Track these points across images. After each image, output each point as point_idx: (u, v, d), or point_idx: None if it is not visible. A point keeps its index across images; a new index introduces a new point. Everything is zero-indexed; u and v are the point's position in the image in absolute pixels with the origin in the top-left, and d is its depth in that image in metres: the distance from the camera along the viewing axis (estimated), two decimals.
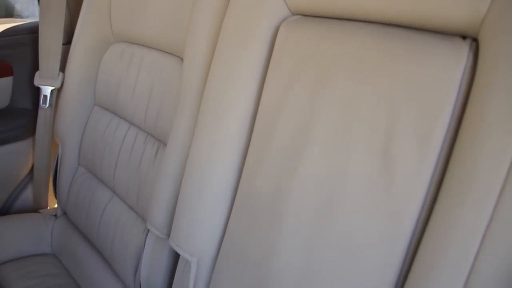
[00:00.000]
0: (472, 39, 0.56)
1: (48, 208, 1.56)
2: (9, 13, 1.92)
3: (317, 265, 0.64)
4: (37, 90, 1.42)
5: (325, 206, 0.64)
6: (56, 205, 1.51)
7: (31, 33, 1.47)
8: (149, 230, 0.99)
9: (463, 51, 0.56)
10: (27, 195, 1.56)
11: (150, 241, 0.99)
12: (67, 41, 1.42)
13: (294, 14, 0.76)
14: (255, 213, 0.73)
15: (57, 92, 1.41)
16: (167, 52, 1.07)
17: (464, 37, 0.57)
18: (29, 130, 1.49)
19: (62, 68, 1.38)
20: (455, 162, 0.55)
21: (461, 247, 0.52)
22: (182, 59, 1.02)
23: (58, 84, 1.38)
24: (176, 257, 0.95)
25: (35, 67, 1.42)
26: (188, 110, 0.91)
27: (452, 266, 0.52)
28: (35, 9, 1.77)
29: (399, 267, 0.60)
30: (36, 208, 1.55)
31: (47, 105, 1.41)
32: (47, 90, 1.41)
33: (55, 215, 1.45)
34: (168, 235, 0.92)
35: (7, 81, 1.47)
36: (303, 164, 0.66)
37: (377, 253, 0.60)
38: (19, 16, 1.92)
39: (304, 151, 0.67)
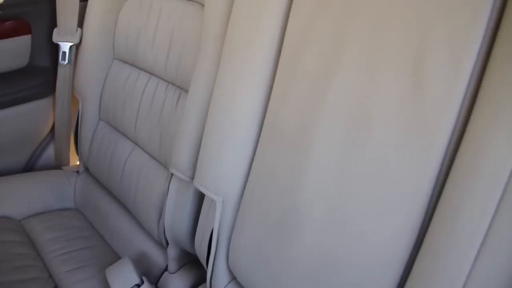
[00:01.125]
0: None
1: (70, 165, 1.58)
2: None
3: (346, 192, 0.64)
4: (56, 47, 1.42)
5: (354, 129, 0.63)
6: (77, 162, 1.53)
7: None
8: (172, 176, 1.00)
9: None
10: (49, 153, 1.58)
11: (173, 187, 1.00)
12: None
13: None
14: (282, 144, 0.73)
15: (76, 48, 1.40)
16: None
17: None
18: (49, 88, 1.50)
19: (80, 24, 1.38)
20: (489, 80, 0.54)
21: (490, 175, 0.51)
22: (202, 5, 1.01)
23: (77, 40, 1.38)
24: (199, 200, 0.96)
25: (53, 24, 1.42)
26: (210, 53, 0.90)
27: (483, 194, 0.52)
28: None
29: (429, 194, 0.59)
30: (58, 165, 1.57)
31: (66, 62, 1.41)
32: (65, 46, 1.41)
33: (77, 172, 1.47)
34: (192, 178, 0.93)
35: (26, 39, 1.46)
36: (332, 89, 0.66)
37: (408, 178, 0.59)
38: None
39: (334, 74, 0.66)
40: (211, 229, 0.86)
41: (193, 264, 1.10)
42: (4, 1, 1.31)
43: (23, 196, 1.38)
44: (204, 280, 1.05)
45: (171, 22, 1.09)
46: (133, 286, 1.01)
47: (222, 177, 0.84)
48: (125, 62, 1.27)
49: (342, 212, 0.64)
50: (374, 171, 0.61)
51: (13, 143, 1.50)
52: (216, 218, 0.84)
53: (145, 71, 1.19)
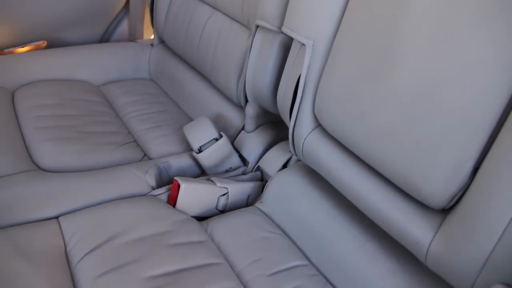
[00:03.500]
0: None
1: (143, 39, 1.59)
2: None
3: (448, 24, 0.59)
4: None
5: None
6: (151, 37, 1.53)
7: None
8: (256, 30, 0.97)
9: None
10: (123, 28, 1.60)
11: (257, 41, 0.98)
12: None
13: None
14: None
15: None
16: None
17: None
18: None
19: None
20: None
21: None
22: None
23: None
24: (283, 53, 0.94)
25: None
26: None
27: None
28: None
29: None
30: (131, 39, 1.58)
31: None
32: None
33: (151, 44, 1.48)
34: (279, 27, 0.90)
35: None
36: None
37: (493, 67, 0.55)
38: None
39: None
40: (297, 77, 0.85)
41: (270, 125, 1.11)
42: None
43: (100, 64, 1.40)
44: (280, 140, 1.06)
45: None
46: (212, 139, 1.03)
47: (313, 19, 0.81)
48: None
49: (445, 41, 0.60)
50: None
51: (89, 15, 1.51)
52: (305, 63, 0.82)
53: None
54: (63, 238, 0.81)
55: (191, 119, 1.23)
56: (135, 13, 1.54)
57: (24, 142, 1.03)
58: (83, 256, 0.77)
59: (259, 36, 0.97)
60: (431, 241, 0.65)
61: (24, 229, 0.81)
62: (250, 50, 0.99)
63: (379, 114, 0.69)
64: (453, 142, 0.60)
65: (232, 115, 1.14)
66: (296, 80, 0.85)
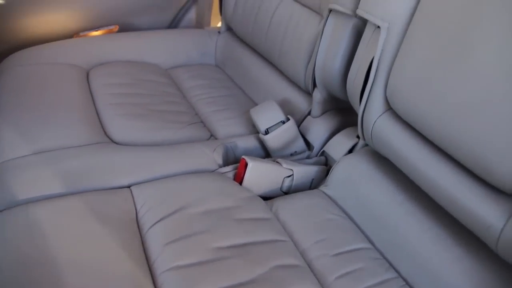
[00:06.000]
0: None
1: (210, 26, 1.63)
2: None
3: None
4: None
5: None
6: (218, 25, 1.56)
7: None
8: (329, 14, 0.97)
9: None
10: (191, 15, 1.64)
11: (329, 25, 0.98)
12: None
13: None
14: None
15: None
16: None
17: None
18: None
19: None
20: None
21: None
22: None
23: None
24: (355, 38, 0.93)
25: None
26: None
27: None
28: None
29: None
30: (199, 27, 1.62)
31: None
32: None
33: (219, 32, 1.50)
34: (353, 11, 0.90)
35: None
36: None
37: None
38: None
39: None
40: (370, 60, 0.84)
41: (337, 111, 1.10)
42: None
43: (169, 48, 1.45)
44: (346, 127, 1.06)
45: None
46: (279, 122, 1.04)
47: (389, 1, 0.80)
48: None
49: None
50: None
51: (159, 1, 1.56)
52: (379, 45, 0.82)
53: None
54: (135, 206, 0.84)
55: (257, 104, 1.24)
56: (203, 1, 1.57)
57: (99, 117, 1.08)
58: (153, 224, 0.80)
59: (331, 20, 0.98)
60: (504, 226, 0.63)
61: (98, 194, 0.85)
62: (322, 35, 0.99)
63: (457, 94, 0.68)
64: None
65: (299, 101, 1.15)
66: (368, 63, 0.85)
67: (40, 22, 1.41)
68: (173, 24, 1.62)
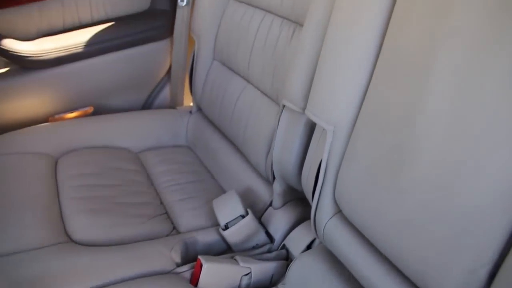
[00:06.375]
0: None
1: (183, 105, 1.65)
2: None
3: (464, 123, 0.58)
4: None
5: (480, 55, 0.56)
6: (191, 103, 1.58)
7: None
8: (283, 109, 0.98)
9: None
10: (165, 94, 1.66)
11: (284, 120, 0.99)
12: None
13: None
14: (399, 69, 0.68)
15: None
16: None
17: None
18: (168, 30, 1.56)
19: None
20: None
21: None
22: None
23: None
24: (309, 133, 0.94)
25: None
26: None
27: None
28: None
29: None
30: (172, 106, 1.64)
31: (185, 3, 1.45)
32: None
33: (190, 112, 1.52)
34: (303, 109, 0.91)
35: None
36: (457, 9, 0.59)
37: None
38: None
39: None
40: (320, 160, 0.84)
41: (297, 201, 1.10)
42: None
43: (140, 131, 1.46)
44: (307, 218, 1.05)
45: None
46: (238, 216, 1.03)
47: (334, 106, 0.81)
48: (241, 1, 1.27)
49: (460, 140, 0.58)
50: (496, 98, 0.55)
51: (134, 82, 1.59)
52: (326, 148, 0.82)
53: (260, 8, 1.18)
54: None
55: (223, 190, 1.24)
56: (176, 81, 1.60)
57: (61, 214, 1.07)
58: None
59: (285, 114, 0.98)
60: None
61: None
62: (277, 129, 1.00)
63: (396, 208, 0.68)
64: (469, 244, 0.58)
65: (261, 190, 1.14)
66: (318, 163, 0.85)
67: (15, 108, 1.44)
68: (148, 102, 1.65)
